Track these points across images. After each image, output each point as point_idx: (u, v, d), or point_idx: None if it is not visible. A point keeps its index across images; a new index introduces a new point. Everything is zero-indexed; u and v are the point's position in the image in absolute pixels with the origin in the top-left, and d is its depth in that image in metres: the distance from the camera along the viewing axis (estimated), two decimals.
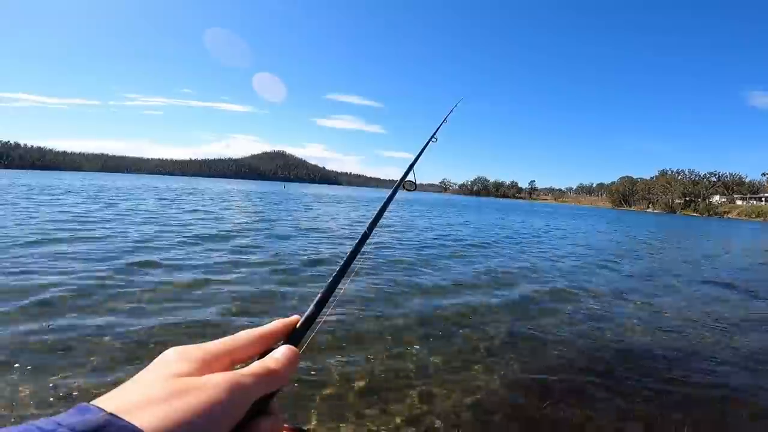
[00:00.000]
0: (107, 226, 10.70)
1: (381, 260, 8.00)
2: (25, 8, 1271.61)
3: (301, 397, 2.87)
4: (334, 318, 4.33)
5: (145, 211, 15.94)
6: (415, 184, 0.92)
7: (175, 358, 0.33)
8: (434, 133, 1.26)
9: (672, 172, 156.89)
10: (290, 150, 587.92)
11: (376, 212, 0.63)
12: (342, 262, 0.51)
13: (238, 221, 14.48)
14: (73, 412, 0.26)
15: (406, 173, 0.94)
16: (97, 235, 8.96)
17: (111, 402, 0.27)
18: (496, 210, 47.50)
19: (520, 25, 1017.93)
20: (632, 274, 9.30)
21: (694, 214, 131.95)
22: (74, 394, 2.74)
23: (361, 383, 3.16)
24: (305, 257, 8.02)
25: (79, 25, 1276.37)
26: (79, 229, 9.70)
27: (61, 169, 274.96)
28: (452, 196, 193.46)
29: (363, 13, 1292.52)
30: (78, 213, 13.43)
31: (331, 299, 0.46)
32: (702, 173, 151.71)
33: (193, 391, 0.29)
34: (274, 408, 0.37)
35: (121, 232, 9.75)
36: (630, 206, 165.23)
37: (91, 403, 0.27)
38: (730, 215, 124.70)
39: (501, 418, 2.89)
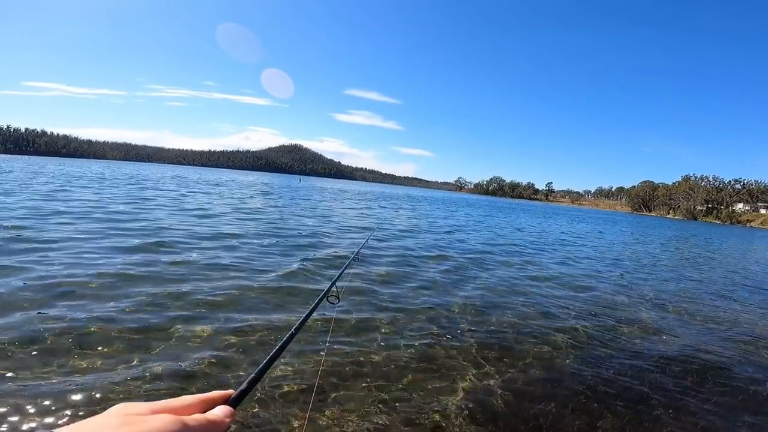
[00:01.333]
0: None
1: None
2: (54, 1, 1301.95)
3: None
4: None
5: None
6: (338, 298, 0.98)
7: (124, 407, 0.37)
8: (356, 253, 1.49)
9: (695, 177, 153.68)
10: (307, 144, 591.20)
11: (302, 318, 0.74)
12: (271, 353, 0.60)
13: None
14: None
15: (330, 287, 0.98)
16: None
17: (67, 430, 0.31)
18: (522, 211, 46.10)
19: (542, 26, 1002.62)
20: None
21: (716, 221, 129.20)
22: None
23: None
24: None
25: (109, 18, 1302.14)
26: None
27: (85, 157, 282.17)
28: (468, 195, 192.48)
29: (384, 10, 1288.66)
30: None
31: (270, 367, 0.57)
32: (726, 180, 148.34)
33: (141, 422, 0.33)
34: None
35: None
36: (650, 211, 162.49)
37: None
38: (753, 224, 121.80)
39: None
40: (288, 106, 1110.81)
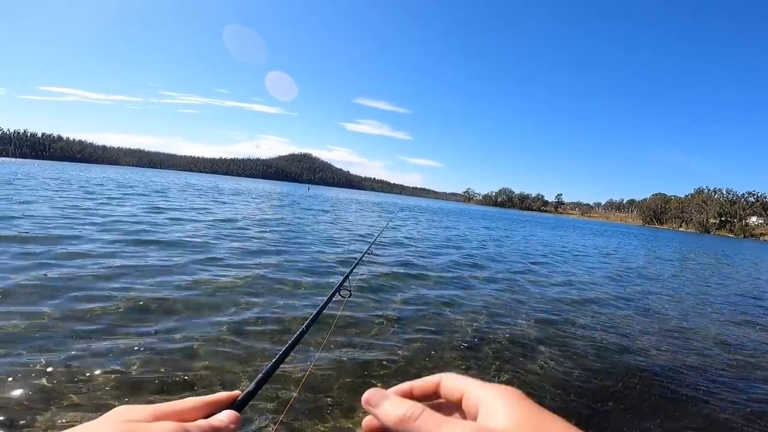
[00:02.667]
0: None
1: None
2: (75, 7, 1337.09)
3: None
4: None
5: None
6: (349, 291, 0.97)
7: (125, 411, 0.36)
8: (374, 240, 1.65)
9: (708, 190, 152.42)
10: (316, 153, 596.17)
11: (314, 314, 0.74)
12: (281, 352, 0.60)
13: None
14: None
15: (342, 282, 0.98)
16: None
17: None
18: (537, 224, 45.93)
19: (551, 36, 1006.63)
20: None
21: (729, 234, 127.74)
22: None
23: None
24: None
25: (127, 24, 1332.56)
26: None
27: (99, 163, 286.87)
28: (477, 207, 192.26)
29: (395, 20, 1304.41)
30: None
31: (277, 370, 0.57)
32: (740, 192, 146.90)
33: (141, 430, 0.32)
34: None
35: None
36: (661, 224, 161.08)
37: None
38: (766, 237, 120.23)
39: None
40: (297, 115, 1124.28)
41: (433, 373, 0.36)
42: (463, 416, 0.36)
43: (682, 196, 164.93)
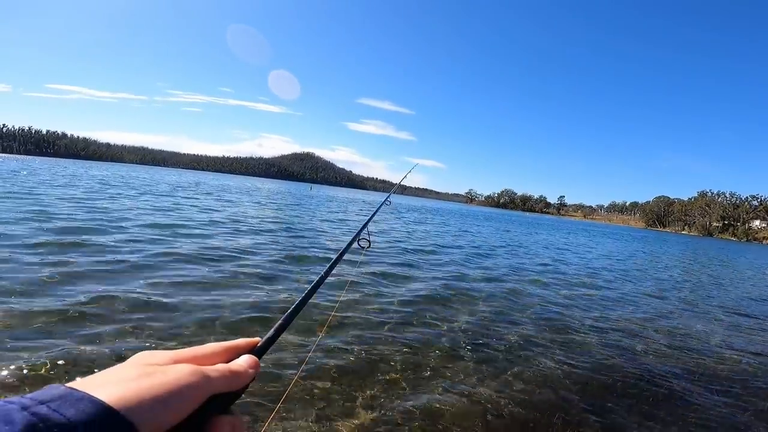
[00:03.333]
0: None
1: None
2: (80, 6, 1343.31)
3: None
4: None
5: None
6: (368, 241, 0.95)
7: (147, 355, 0.37)
8: (387, 197, 1.45)
9: (712, 193, 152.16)
10: (319, 152, 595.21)
11: (332, 261, 0.75)
12: (301, 297, 0.60)
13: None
14: (41, 390, 0.29)
15: (360, 231, 0.96)
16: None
17: (81, 382, 0.31)
18: (546, 227, 45.27)
19: (556, 38, 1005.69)
20: None
21: (732, 238, 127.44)
22: None
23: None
24: None
25: (133, 22, 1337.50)
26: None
27: (103, 160, 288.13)
28: (480, 208, 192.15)
29: (398, 22, 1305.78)
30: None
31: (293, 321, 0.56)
32: (743, 196, 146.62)
33: (159, 373, 0.34)
34: (235, 413, 0.40)
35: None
36: (664, 227, 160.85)
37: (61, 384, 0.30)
38: None
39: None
40: (301, 114, 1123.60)
41: None
42: None
43: (686, 199, 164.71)
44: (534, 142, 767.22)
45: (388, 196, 2.17)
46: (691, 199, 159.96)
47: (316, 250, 8.74)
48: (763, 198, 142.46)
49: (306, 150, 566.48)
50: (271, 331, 0.51)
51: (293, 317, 0.56)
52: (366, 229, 0.94)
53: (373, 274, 6.86)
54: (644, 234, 72.13)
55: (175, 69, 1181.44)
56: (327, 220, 17.01)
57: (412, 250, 10.60)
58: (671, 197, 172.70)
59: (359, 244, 0.90)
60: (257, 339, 0.48)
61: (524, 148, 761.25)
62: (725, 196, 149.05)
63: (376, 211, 1.21)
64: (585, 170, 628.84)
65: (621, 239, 36.38)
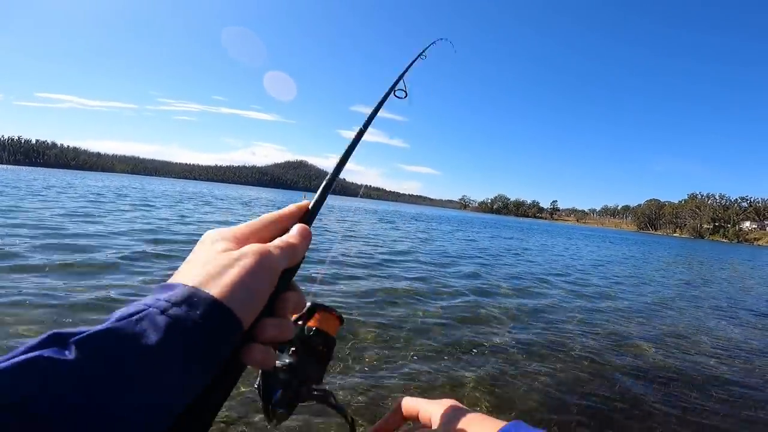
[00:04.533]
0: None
1: None
2: (72, 15, 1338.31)
3: None
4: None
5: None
6: (405, 92, 0.89)
7: (214, 238, 0.41)
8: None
9: (702, 196, 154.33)
10: (312, 160, 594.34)
11: (370, 113, 0.73)
12: (341, 155, 0.59)
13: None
14: (161, 289, 0.34)
15: (397, 81, 0.88)
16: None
17: (184, 278, 0.35)
18: (543, 233, 45.54)
19: (547, 44, 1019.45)
20: None
21: (723, 240, 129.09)
22: None
23: None
24: None
25: (124, 32, 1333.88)
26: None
27: (93, 170, 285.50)
28: (474, 214, 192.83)
29: (388, 29, 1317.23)
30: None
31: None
32: (733, 198, 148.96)
33: (237, 260, 0.37)
34: (296, 287, 0.43)
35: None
36: (656, 230, 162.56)
37: (170, 281, 0.35)
38: (760, 242, 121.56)
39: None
40: (294, 122, 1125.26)
41: None
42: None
43: (676, 201, 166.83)
44: (526, 147, 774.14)
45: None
46: (681, 201, 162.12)
47: None
48: (752, 199, 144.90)
49: (299, 158, 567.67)
50: (318, 192, 0.51)
51: (337, 175, 0.56)
52: (402, 79, 0.92)
53: None
54: (638, 237, 72.49)
55: (168, 77, 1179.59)
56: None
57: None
58: (662, 200, 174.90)
59: (396, 95, 0.90)
60: (306, 202, 0.49)
61: (517, 154, 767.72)
62: (715, 198, 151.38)
63: (415, 58, 1.02)
64: (577, 175, 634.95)
65: (630, 244, 35.76)
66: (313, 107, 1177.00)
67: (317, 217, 0.47)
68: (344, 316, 0.47)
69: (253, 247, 0.39)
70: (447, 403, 0.45)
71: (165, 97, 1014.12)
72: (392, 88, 0.88)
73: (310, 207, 0.48)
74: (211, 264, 0.36)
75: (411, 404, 0.49)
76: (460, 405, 0.44)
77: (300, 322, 0.47)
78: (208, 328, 0.31)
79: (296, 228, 0.45)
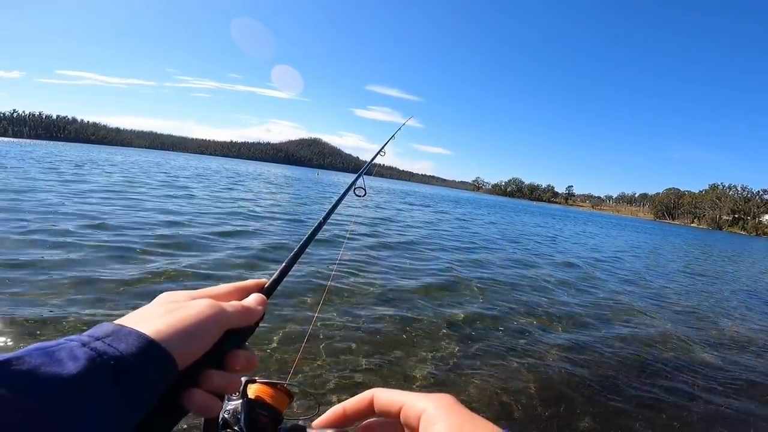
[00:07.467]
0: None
1: None
2: None
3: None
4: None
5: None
6: (364, 190, 0.97)
7: (167, 295, 0.42)
8: (382, 147, 1.43)
9: (723, 186, 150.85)
10: (326, 138, 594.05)
11: (329, 208, 0.77)
12: (301, 242, 0.62)
13: None
14: (94, 328, 0.34)
15: (356, 180, 0.97)
16: None
17: (120, 321, 0.36)
18: (564, 219, 43.00)
19: (569, 28, 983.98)
20: None
21: (741, 232, 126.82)
22: None
23: None
24: None
25: (144, 10, 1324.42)
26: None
27: (113, 144, 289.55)
28: (486, 196, 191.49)
29: (407, 9, 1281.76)
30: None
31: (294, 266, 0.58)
32: (755, 190, 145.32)
33: (183, 308, 0.38)
34: (249, 348, 0.45)
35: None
36: (673, 219, 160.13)
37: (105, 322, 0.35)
38: None
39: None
40: (310, 101, 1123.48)
41: None
42: (402, 429, 0.40)
43: (696, 191, 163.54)
44: (543, 130, 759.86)
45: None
46: (702, 191, 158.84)
47: None
48: None
49: (313, 136, 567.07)
50: (276, 273, 0.54)
51: (295, 261, 0.58)
52: (362, 178, 0.98)
53: None
54: (658, 227, 71.39)
55: (185, 55, 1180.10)
56: None
57: None
58: (681, 189, 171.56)
59: (355, 193, 0.96)
60: (264, 280, 0.51)
61: (533, 136, 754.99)
62: (737, 190, 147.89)
63: (372, 159, 1.27)
64: (594, 160, 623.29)
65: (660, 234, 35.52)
66: (328, 86, 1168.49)
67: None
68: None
69: (204, 300, 0.41)
70: (444, 400, 0.38)
71: (182, 74, 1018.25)
72: (351, 185, 0.92)
73: (267, 284, 0.51)
74: (154, 310, 0.38)
75: (389, 397, 0.41)
76: (461, 405, 0.38)
77: (244, 391, 0.47)
78: (132, 364, 0.31)
79: (253, 295, 0.47)
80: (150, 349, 0.33)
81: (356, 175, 0.97)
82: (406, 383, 3.19)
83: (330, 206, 0.79)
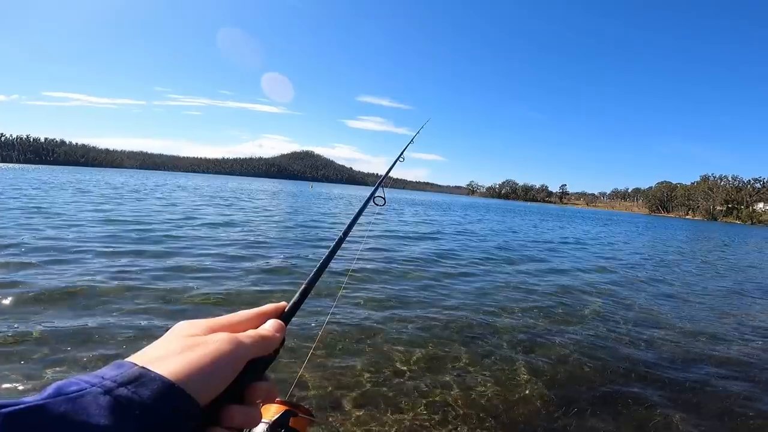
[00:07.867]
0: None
1: None
2: (77, 15, 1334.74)
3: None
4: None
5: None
6: (384, 199, 0.97)
7: (185, 326, 0.41)
8: (401, 154, 1.43)
9: (714, 177, 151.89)
10: (319, 150, 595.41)
11: (349, 221, 0.74)
12: (321, 260, 0.59)
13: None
14: (111, 367, 0.32)
15: (375, 189, 0.97)
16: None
17: (140, 358, 0.34)
18: (559, 217, 43.44)
19: (554, 29, 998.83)
20: None
21: (736, 221, 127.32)
22: None
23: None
24: None
25: (131, 30, 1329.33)
26: None
27: (102, 166, 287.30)
28: (481, 199, 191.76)
29: (394, 20, 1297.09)
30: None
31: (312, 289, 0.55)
32: (746, 179, 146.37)
33: (201, 344, 0.37)
34: (269, 379, 0.43)
35: None
36: (668, 212, 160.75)
37: (124, 360, 0.33)
38: None
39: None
40: (301, 114, 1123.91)
41: None
42: None
43: (688, 183, 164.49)
44: (533, 131, 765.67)
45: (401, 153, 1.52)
46: (693, 183, 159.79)
47: None
48: (765, 180, 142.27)
49: (305, 149, 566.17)
50: (296, 295, 0.52)
51: (316, 280, 0.56)
52: (381, 187, 0.98)
53: None
54: (657, 220, 71.16)
55: (175, 74, 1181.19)
56: None
57: None
58: (674, 182, 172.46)
59: (375, 202, 0.95)
60: (284, 303, 0.50)
61: (524, 138, 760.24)
62: (728, 180, 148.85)
63: (389, 170, 1.26)
64: (586, 158, 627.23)
65: (656, 228, 35.40)
66: (318, 98, 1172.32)
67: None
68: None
69: (221, 334, 0.39)
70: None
71: (172, 93, 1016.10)
72: (371, 196, 0.91)
73: (287, 309, 0.49)
74: (172, 345, 0.37)
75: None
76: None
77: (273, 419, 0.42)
78: (158, 412, 0.30)
79: (270, 322, 0.45)
80: (174, 394, 0.32)
81: (375, 185, 1.02)
82: (408, 392, 3.09)
83: (350, 220, 0.75)
